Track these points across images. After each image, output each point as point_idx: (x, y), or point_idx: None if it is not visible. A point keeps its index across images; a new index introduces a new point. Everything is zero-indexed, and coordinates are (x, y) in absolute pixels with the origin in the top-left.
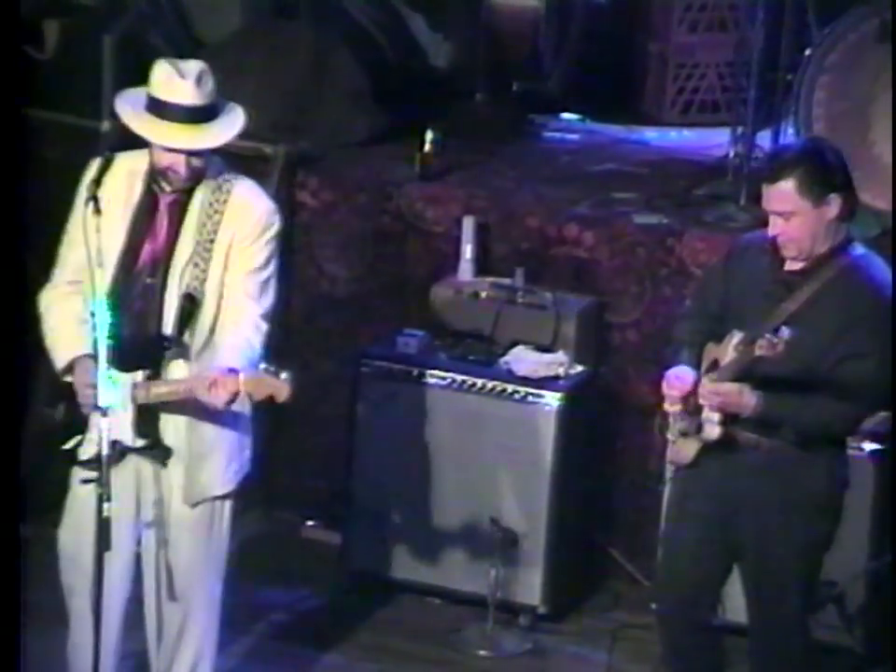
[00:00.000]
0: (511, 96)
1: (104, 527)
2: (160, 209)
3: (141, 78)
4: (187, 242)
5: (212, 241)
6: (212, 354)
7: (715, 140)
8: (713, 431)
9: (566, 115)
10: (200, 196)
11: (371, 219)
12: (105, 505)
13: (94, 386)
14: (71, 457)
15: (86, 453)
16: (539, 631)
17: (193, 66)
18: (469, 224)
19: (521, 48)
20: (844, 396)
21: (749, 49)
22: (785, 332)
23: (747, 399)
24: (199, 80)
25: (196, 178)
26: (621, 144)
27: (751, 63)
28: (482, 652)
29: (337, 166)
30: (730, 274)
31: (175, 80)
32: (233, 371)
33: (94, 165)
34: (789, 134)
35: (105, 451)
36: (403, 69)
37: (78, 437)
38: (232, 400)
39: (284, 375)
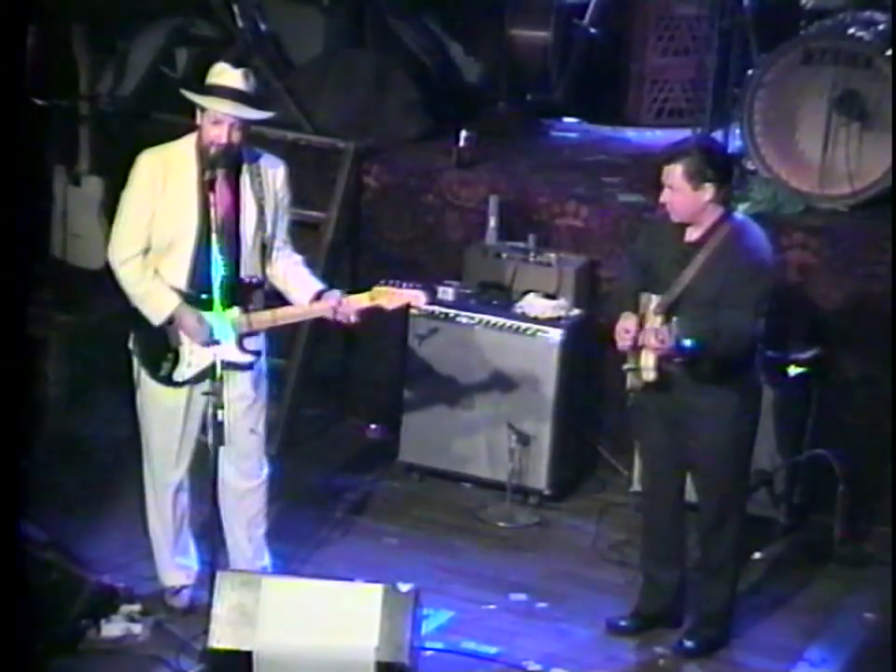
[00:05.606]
0: (526, 104)
1: (219, 428)
2: (218, 182)
3: None
4: (249, 203)
5: (262, 198)
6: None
7: (680, 138)
8: (650, 375)
9: (567, 118)
10: (245, 169)
11: (418, 197)
12: (220, 412)
13: (202, 325)
14: (164, 381)
15: (181, 375)
16: (544, 508)
17: (242, 68)
18: (493, 201)
19: (534, 67)
20: (734, 326)
21: (706, 69)
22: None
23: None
24: (245, 75)
25: (236, 156)
26: (609, 141)
27: (708, 79)
28: (501, 524)
29: (393, 157)
30: (647, 246)
31: (228, 71)
32: (332, 292)
33: (151, 155)
34: (735, 134)
35: (219, 371)
36: (444, 84)
37: (166, 364)
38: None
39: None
